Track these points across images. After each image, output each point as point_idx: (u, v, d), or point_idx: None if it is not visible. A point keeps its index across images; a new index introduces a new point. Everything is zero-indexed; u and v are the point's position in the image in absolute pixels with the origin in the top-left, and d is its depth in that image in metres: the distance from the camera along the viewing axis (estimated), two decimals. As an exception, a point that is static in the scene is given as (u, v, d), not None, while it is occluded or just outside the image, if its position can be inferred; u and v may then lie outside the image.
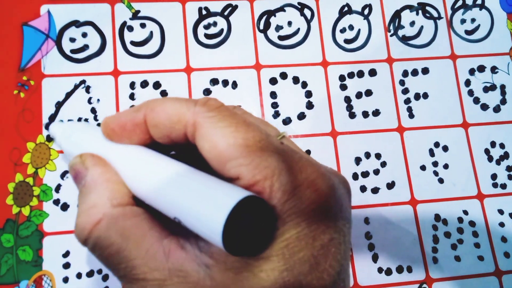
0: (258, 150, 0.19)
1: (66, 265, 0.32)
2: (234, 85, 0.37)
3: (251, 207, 0.17)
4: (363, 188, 0.36)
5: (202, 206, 0.18)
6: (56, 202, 0.33)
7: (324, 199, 0.19)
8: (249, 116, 0.25)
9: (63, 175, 0.34)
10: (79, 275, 0.32)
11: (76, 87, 0.35)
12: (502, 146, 0.39)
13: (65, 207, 0.33)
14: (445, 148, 0.38)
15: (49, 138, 0.34)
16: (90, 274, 0.33)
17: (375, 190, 0.37)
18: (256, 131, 0.20)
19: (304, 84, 0.38)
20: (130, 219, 0.20)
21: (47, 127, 0.35)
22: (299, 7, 0.39)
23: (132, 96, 0.36)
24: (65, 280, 0.32)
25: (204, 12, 0.38)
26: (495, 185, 0.38)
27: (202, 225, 0.18)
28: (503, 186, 0.38)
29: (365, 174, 0.37)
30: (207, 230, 0.17)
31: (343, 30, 0.39)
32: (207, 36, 0.38)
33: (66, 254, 0.33)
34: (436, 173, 0.37)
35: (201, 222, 0.18)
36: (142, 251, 0.19)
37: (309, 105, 0.37)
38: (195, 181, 0.19)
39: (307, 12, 0.39)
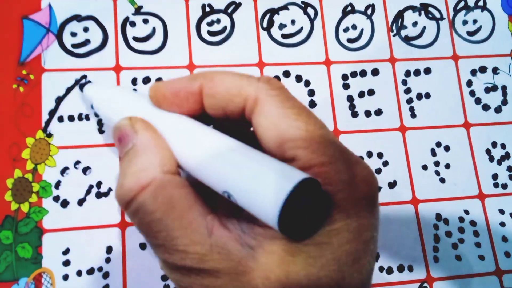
0: (318, 136, 0.19)
1: (66, 263, 0.32)
2: (237, 82, 0.37)
3: (308, 190, 0.17)
4: (365, 187, 0.36)
5: (259, 185, 0.17)
6: (56, 198, 0.33)
7: (374, 196, 0.20)
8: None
9: (63, 172, 0.33)
10: (79, 273, 0.32)
11: (77, 82, 0.35)
12: (503, 146, 0.39)
13: (65, 203, 0.33)
14: (447, 148, 0.38)
15: (49, 134, 0.34)
16: (90, 271, 0.32)
17: (377, 189, 0.37)
18: (316, 119, 0.20)
19: (307, 83, 0.38)
20: (178, 188, 0.20)
21: (81, 87, 0.33)
22: (303, 5, 0.39)
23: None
24: (65, 277, 0.32)
25: (207, 9, 0.38)
26: (496, 185, 0.38)
27: (257, 204, 0.17)
28: (504, 186, 0.38)
29: (368, 173, 0.37)
30: (262, 210, 0.17)
31: (346, 30, 0.39)
32: (210, 33, 0.37)
33: (66, 252, 0.32)
34: (437, 173, 0.38)
35: (257, 201, 0.17)
36: (185, 222, 0.19)
37: (312, 104, 0.37)
38: (252, 158, 0.19)
39: (310, 11, 0.39)
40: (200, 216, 0.19)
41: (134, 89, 0.35)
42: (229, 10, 0.38)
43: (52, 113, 0.34)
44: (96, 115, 0.34)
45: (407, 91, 0.39)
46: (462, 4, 0.41)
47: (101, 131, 0.34)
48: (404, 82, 0.39)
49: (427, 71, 0.39)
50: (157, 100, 0.22)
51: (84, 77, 0.35)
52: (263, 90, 0.20)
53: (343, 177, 0.18)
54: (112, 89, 0.25)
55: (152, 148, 0.21)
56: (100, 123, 0.34)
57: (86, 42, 0.36)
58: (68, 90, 0.35)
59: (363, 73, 0.38)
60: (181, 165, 0.21)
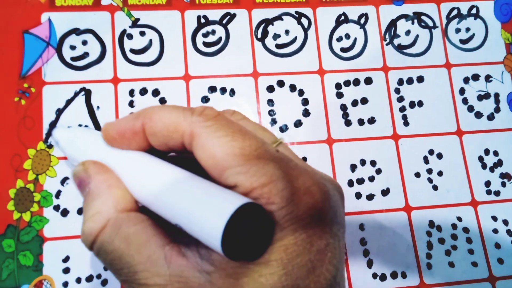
0: (254, 158, 0.19)
1: (66, 270, 0.33)
2: (232, 92, 0.37)
3: (250, 213, 0.18)
4: (358, 195, 0.37)
5: (202, 212, 0.18)
6: (56, 208, 0.34)
7: (320, 205, 0.20)
8: (247, 122, 0.25)
9: (63, 181, 0.34)
10: (78, 280, 0.33)
11: (76, 94, 0.36)
12: (495, 153, 0.39)
13: (65, 212, 0.34)
14: (440, 156, 0.38)
15: (50, 145, 0.35)
16: (89, 279, 0.33)
17: (370, 197, 0.37)
18: (252, 140, 0.20)
19: (301, 92, 0.38)
20: (134, 225, 0.21)
21: (48, 134, 0.35)
22: (297, 16, 0.40)
23: (131, 104, 0.36)
24: (65, 284, 0.33)
25: (203, 20, 0.39)
26: (488, 192, 0.38)
27: (202, 231, 0.18)
28: (497, 193, 0.38)
29: (360, 181, 0.37)
30: (206, 236, 0.18)
31: (339, 39, 0.40)
32: (206, 44, 0.38)
33: (66, 259, 0.33)
34: (430, 180, 0.38)
35: (201, 228, 0.18)
36: (144, 256, 0.19)
37: (306, 113, 0.38)
38: (195, 187, 0.20)
39: (304, 21, 0.40)
40: (158, 248, 0.20)
41: (132, 103, 0.36)
42: (224, 21, 0.39)
43: (52, 124, 0.35)
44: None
45: (400, 99, 0.39)
46: (455, 12, 0.41)
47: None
48: (397, 91, 0.39)
49: (420, 79, 0.40)
50: (108, 140, 0.23)
51: (83, 89, 0.36)
52: (196, 123, 0.20)
53: (284, 194, 0.19)
54: (76, 131, 0.27)
55: (105, 189, 0.22)
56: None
57: (85, 55, 0.37)
58: (68, 102, 0.36)
59: (356, 82, 0.39)
60: (137, 200, 0.22)
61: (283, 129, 0.37)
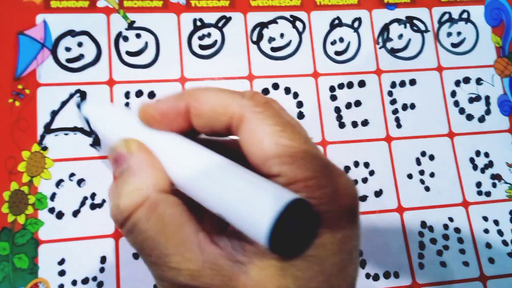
0: (302, 152, 0.19)
1: (62, 273, 0.33)
2: (227, 95, 0.38)
3: (297, 209, 0.17)
4: (352, 196, 0.37)
5: (249, 205, 0.18)
6: (51, 210, 0.34)
7: (355, 207, 0.20)
8: (288, 115, 0.25)
9: (58, 184, 0.34)
10: (74, 282, 0.33)
11: (71, 96, 0.36)
12: (486, 155, 0.40)
13: (60, 215, 0.34)
14: (432, 157, 0.39)
15: (44, 147, 0.35)
16: (85, 281, 0.33)
17: (363, 198, 0.38)
18: (300, 133, 0.20)
19: (295, 95, 0.39)
20: (171, 207, 0.20)
21: (78, 106, 0.34)
22: (291, 19, 0.40)
23: (127, 106, 0.36)
24: (61, 287, 0.33)
25: (198, 23, 0.39)
26: (479, 193, 0.39)
27: (248, 224, 0.18)
28: (488, 193, 0.39)
29: (354, 183, 0.38)
30: (253, 230, 0.18)
31: (333, 42, 0.40)
32: (202, 47, 0.39)
33: (61, 262, 0.33)
34: (422, 181, 0.39)
35: (247, 221, 0.18)
36: (178, 240, 0.19)
37: (300, 115, 0.38)
38: (241, 177, 0.19)
39: (299, 24, 0.40)
40: (192, 234, 0.19)
41: (127, 105, 0.36)
42: (220, 24, 0.39)
43: (47, 126, 0.35)
44: (91, 131, 0.35)
45: (393, 102, 0.40)
46: (446, 16, 0.42)
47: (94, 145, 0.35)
48: (390, 93, 0.40)
49: (412, 82, 0.40)
50: (146, 121, 0.23)
51: (78, 91, 0.36)
52: (247, 108, 0.20)
53: (326, 191, 0.19)
54: (108, 108, 0.25)
55: (145, 168, 0.21)
56: (96, 140, 0.35)
57: (80, 56, 0.37)
58: (63, 104, 0.36)
59: (350, 85, 0.39)
60: (175, 184, 0.22)
61: (278, 131, 0.38)
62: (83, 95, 0.36)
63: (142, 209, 0.20)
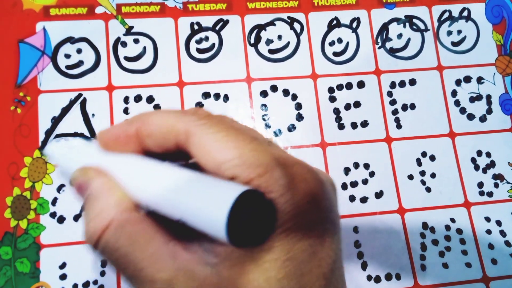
0: (249, 151, 0.20)
1: (63, 276, 0.33)
2: (226, 98, 0.38)
3: (251, 201, 0.18)
4: (352, 198, 0.37)
5: (204, 203, 0.19)
6: (53, 215, 0.34)
7: (315, 191, 0.21)
8: (237, 123, 0.26)
9: (59, 189, 0.35)
10: (75, 286, 0.33)
11: (71, 102, 0.36)
12: (488, 155, 0.39)
13: (61, 219, 0.34)
14: (432, 158, 0.39)
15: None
16: (86, 285, 0.34)
17: (363, 200, 0.37)
18: (245, 134, 0.21)
19: (294, 97, 0.39)
20: (137, 224, 0.21)
21: (41, 148, 0.36)
22: (289, 21, 0.40)
23: (126, 111, 0.37)
24: (62, 291, 0.33)
25: (196, 27, 0.39)
26: (481, 193, 0.39)
27: (205, 221, 0.18)
28: (490, 194, 0.39)
29: (354, 184, 0.38)
30: (211, 226, 0.18)
31: (332, 43, 0.40)
32: (199, 50, 0.39)
33: (62, 266, 0.34)
34: (423, 182, 0.38)
35: (205, 219, 0.18)
36: (149, 253, 0.20)
37: (299, 117, 0.38)
38: (195, 181, 0.20)
39: (296, 26, 0.40)
40: (162, 245, 0.20)
41: (126, 110, 0.37)
42: (217, 28, 0.39)
43: (48, 132, 0.36)
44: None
45: (393, 102, 0.39)
46: (446, 15, 0.42)
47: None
48: (390, 94, 0.39)
49: (412, 82, 0.40)
50: (103, 146, 0.24)
51: (79, 96, 0.36)
52: (190, 122, 0.21)
53: (282, 182, 0.19)
54: (68, 143, 0.27)
55: (106, 191, 0.22)
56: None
57: (80, 63, 0.37)
58: (64, 110, 0.36)
59: (349, 86, 0.39)
60: (137, 200, 0.22)
61: (277, 133, 0.38)
62: (83, 105, 0.36)
63: (109, 231, 0.21)
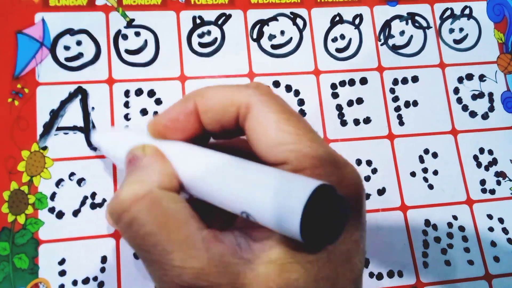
0: (308, 140, 0.19)
1: (62, 273, 0.33)
2: (228, 93, 0.37)
3: (322, 197, 0.17)
4: (355, 195, 0.37)
5: (275, 200, 0.17)
6: (51, 210, 0.34)
7: (359, 196, 0.20)
8: (291, 107, 0.25)
9: (58, 183, 0.34)
10: (75, 282, 0.33)
11: (70, 95, 0.36)
12: (490, 152, 0.39)
13: (60, 215, 0.34)
14: (435, 155, 0.39)
15: (44, 147, 0.35)
16: (85, 281, 0.33)
17: (366, 196, 0.37)
18: (306, 123, 0.20)
19: (297, 93, 0.38)
20: (174, 203, 0.20)
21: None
22: (292, 16, 0.40)
23: (126, 104, 0.36)
24: (61, 287, 0.32)
25: (198, 21, 0.38)
26: (484, 191, 0.39)
27: (277, 219, 0.17)
28: (492, 191, 0.39)
29: (357, 181, 0.37)
30: (283, 222, 0.17)
31: (334, 40, 0.40)
32: (201, 44, 0.38)
33: (61, 262, 0.33)
34: (426, 179, 0.38)
35: (276, 216, 0.17)
36: (182, 236, 0.19)
37: (302, 113, 0.38)
38: (263, 174, 0.19)
39: (299, 21, 0.40)
40: (197, 231, 0.19)
41: (127, 104, 0.36)
42: (220, 22, 0.39)
43: (46, 126, 0.35)
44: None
45: (395, 99, 0.39)
46: (448, 12, 0.42)
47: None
48: (392, 91, 0.39)
49: (415, 79, 0.40)
50: (159, 132, 0.22)
51: (79, 88, 0.36)
52: (253, 96, 0.20)
53: (332, 179, 0.19)
54: (115, 132, 0.26)
55: (154, 165, 0.21)
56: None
57: (79, 55, 0.37)
58: (62, 103, 0.36)
59: (351, 82, 0.39)
60: (191, 191, 0.21)
61: (280, 129, 0.37)
62: (84, 97, 0.36)
63: (143, 201, 0.19)
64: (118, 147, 0.25)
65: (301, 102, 0.38)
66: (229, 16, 0.39)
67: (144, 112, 0.36)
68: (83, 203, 0.34)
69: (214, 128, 0.22)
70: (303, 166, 0.19)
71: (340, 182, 0.19)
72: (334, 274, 0.19)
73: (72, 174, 0.34)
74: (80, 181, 0.34)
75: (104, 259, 0.33)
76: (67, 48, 0.37)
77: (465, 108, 0.40)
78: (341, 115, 0.38)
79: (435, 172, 0.38)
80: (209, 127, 0.22)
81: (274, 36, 0.39)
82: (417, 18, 0.41)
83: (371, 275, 0.36)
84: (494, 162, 0.39)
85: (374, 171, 0.38)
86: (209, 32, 0.38)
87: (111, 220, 0.21)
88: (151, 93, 0.37)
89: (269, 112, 0.20)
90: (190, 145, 0.22)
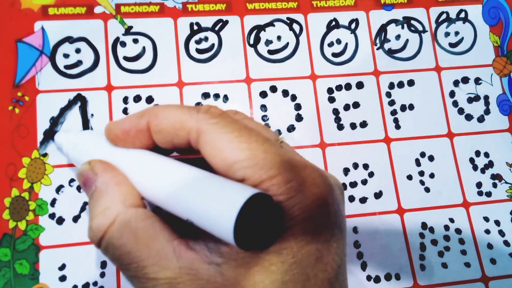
0: (261, 153, 0.20)
1: (62, 278, 0.33)
2: (225, 98, 0.38)
3: (259, 204, 0.18)
4: (351, 198, 0.37)
5: (213, 205, 0.18)
6: (52, 216, 0.34)
7: (325, 196, 0.21)
8: (250, 121, 0.26)
9: (58, 190, 0.35)
10: (75, 288, 0.33)
11: (70, 102, 0.36)
12: (486, 155, 0.40)
13: (60, 221, 0.34)
14: (431, 158, 0.39)
15: (44, 154, 0.35)
16: (86, 286, 0.33)
17: (363, 200, 0.38)
18: (258, 136, 0.21)
19: (294, 97, 0.39)
20: (142, 220, 0.21)
21: (46, 138, 0.35)
22: (288, 22, 0.40)
23: (125, 111, 0.37)
24: (61, 292, 0.33)
25: (195, 27, 0.39)
26: (480, 193, 0.39)
27: (213, 223, 0.18)
28: (488, 194, 0.39)
29: (353, 184, 0.38)
30: (218, 227, 0.18)
31: (331, 44, 0.40)
32: (199, 51, 0.39)
33: (62, 267, 0.33)
34: (422, 182, 0.38)
35: (213, 220, 0.18)
36: (153, 251, 0.20)
37: (299, 118, 0.38)
38: (204, 181, 0.20)
39: (296, 26, 0.40)
40: (167, 243, 0.20)
41: (125, 111, 0.37)
42: (217, 28, 0.39)
43: (49, 131, 0.35)
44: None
45: (391, 103, 0.40)
46: (444, 16, 0.42)
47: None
48: (388, 94, 0.40)
49: (411, 83, 0.40)
50: (112, 140, 0.23)
51: (79, 96, 0.36)
52: (203, 121, 0.21)
53: (292, 185, 0.19)
54: (78, 134, 0.27)
55: (112, 186, 0.22)
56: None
57: (78, 63, 0.37)
58: (62, 110, 0.36)
59: (348, 87, 0.39)
60: (144, 197, 0.22)
61: (277, 134, 0.38)
62: (83, 104, 0.36)
63: (113, 227, 0.21)
64: (77, 150, 0.25)
65: (298, 107, 0.38)
66: (226, 22, 0.39)
67: (142, 118, 0.36)
68: (83, 209, 0.34)
69: (167, 147, 0.23)
70: (262, 179, 0.19)
71: (301, 185, 0.20)
72: (303, 275, 0.19)
73: (72, 180, 0.35)
74: (80, 188, 0.35)
75: (104, 264, 0.34)
76: (66, 56, 0.37)
77: (461, 111, 0.40)
78: (337, 119, 0.39)
79: (432, 175, 0.39)
80: (162, 145, 0.23)
81: (271, 42, 0.40)
82: (412, 22, 0.42)
83: (368, 278, 0.36)
84: (490, 164, 0.40)
85: (371, 174, 0.38)
86: (206, 38, 0.39)
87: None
88: (150, 100, 0.37)
89: (219, 133, 0.20)
90: (143, 154, 0.23)
